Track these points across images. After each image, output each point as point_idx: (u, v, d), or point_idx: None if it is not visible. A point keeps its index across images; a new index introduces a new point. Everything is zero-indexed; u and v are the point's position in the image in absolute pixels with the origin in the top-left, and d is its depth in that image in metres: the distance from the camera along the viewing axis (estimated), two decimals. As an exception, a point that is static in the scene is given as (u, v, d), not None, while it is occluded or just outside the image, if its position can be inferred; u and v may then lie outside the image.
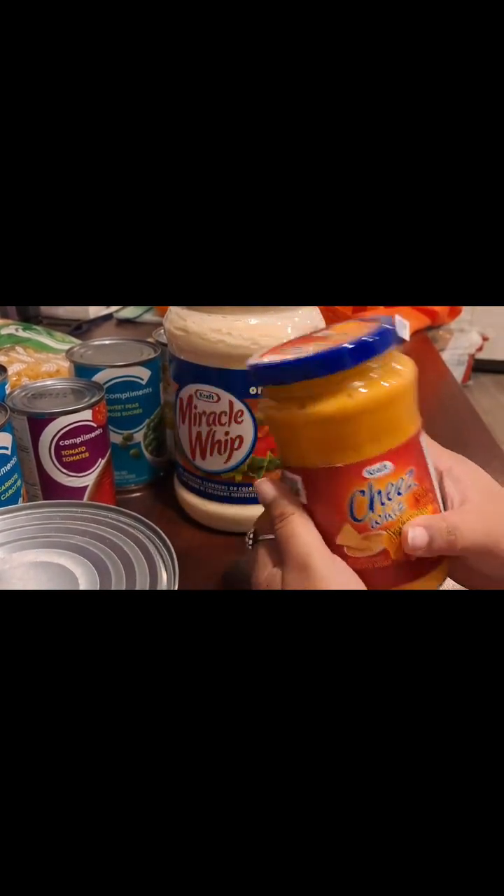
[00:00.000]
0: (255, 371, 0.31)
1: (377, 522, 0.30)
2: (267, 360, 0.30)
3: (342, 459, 0.30)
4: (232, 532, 0.51)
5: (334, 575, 0.29)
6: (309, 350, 0.29)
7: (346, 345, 0.27)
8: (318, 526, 0.31)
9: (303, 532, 0.30)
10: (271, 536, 0.32)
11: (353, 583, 0.29)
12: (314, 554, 0.29)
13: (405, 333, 0.29)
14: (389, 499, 0.30)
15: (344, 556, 0.30)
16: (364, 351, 0.28)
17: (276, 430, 0.32)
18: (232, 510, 0.50)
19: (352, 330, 0.30)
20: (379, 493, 0.30)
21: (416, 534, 0.30)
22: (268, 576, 0.31)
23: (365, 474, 0.30)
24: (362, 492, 0.30)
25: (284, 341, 0.35)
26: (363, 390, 0.29)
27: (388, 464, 0.30)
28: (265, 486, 0.32)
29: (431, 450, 0.33)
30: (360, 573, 0.30)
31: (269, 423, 0.32)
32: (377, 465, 0.30)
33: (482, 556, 0.30)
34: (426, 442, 0.32)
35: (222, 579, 0.47)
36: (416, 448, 0.31)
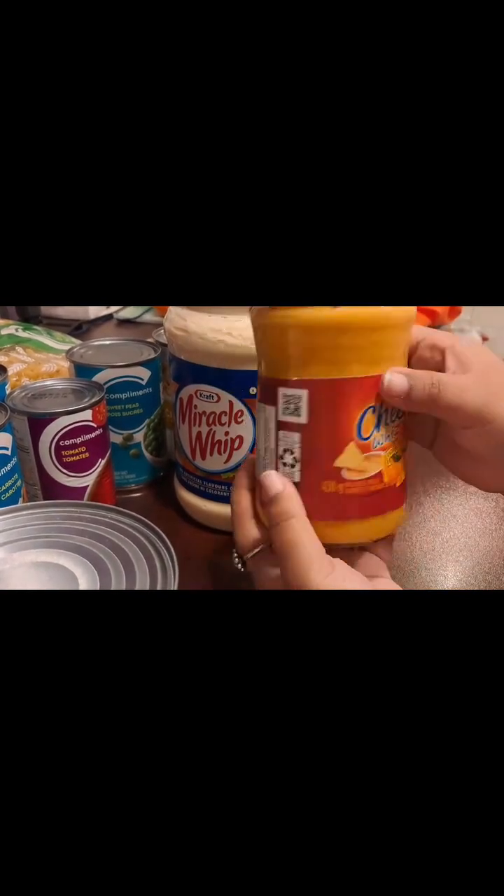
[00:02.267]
0: None
1: (379, 443, 0.30)
2: None
3: (365, 370, 0.29)
4: (232, 532, 0.51)
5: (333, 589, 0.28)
6: None
7: None
8: (315, 446, 0.30)
9: (305, 541, 0.29)
10: (258, 550, 0.32)
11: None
12: (313, 568, 0.28)
13: None
14: (392, 420, 0.30)
15: (339, 479, 0.30)
16: None
17: (286, 336, 0.30)
18: (232, 510, 0.50)
19: None
20: (387, 412, 0.30)
21: (395, 378, 0.29)
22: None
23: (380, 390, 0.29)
24: (373, 408, 0.29)
25: None
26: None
27: None
28: (274, 479, 0.31)
29: (429, 337, 0.32)
30: (352, 499, 0.30)
31: (276, 329, 0.30)
32: None
33: (476, 426, 0.30)
34: None
35: (222, 579, 0.47)
36: None
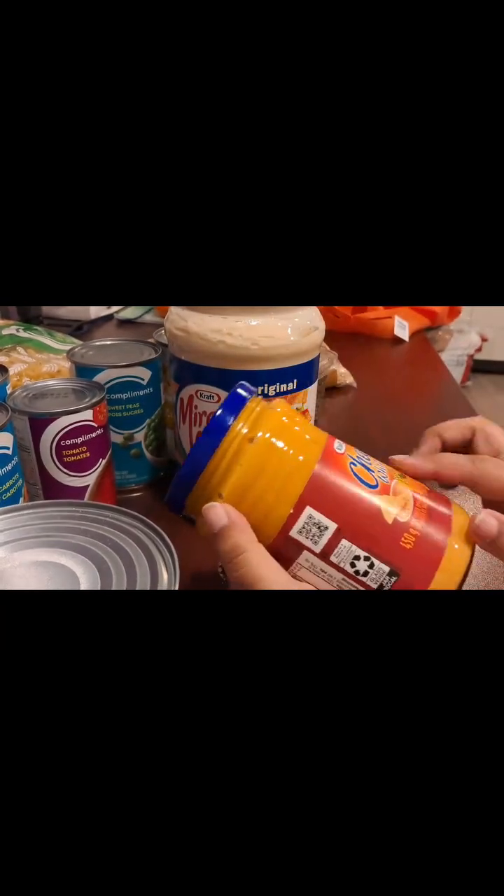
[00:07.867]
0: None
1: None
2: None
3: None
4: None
5: None
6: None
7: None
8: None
9: (265, 573, 0.27)
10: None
11: None
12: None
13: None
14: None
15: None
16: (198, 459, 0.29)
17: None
18: (232, 510, 0.50)
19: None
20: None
21: (487, 520, 0.29)
22: None
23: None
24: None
25: None
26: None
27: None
28: (218, 511, 0.28)
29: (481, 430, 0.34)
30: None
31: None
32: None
33: None
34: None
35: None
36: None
